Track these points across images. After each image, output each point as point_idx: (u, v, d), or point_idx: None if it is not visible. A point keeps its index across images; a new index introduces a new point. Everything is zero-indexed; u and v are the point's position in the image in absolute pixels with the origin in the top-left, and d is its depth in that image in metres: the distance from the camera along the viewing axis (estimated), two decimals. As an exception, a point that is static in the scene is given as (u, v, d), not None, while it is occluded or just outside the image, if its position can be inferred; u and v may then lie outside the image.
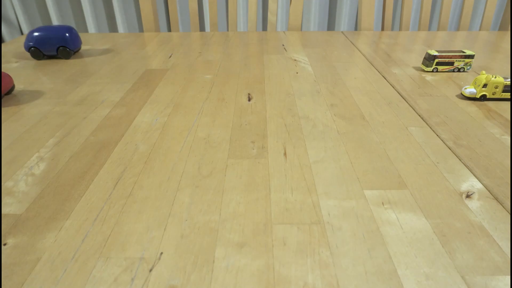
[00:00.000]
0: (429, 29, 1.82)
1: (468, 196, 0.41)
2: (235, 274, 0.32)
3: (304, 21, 1.77)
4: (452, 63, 0.78)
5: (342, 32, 1.20)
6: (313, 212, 0.39)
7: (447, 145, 0.52)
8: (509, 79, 0.63)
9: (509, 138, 0.54)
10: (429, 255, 0.34)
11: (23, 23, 1.72)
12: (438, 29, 1.27)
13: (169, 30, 1.79)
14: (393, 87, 0.73)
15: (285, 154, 0.49)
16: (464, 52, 0.78)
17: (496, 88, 0.63)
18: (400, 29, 1.27)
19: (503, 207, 0.40)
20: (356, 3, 1.73)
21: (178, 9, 1.68)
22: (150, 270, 0.32)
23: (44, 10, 1.75)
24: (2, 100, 0.67)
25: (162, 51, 0.98)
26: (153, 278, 0.31)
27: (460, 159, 0.48)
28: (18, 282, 0.31)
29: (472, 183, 0.44)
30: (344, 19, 1.74)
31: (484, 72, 0.65)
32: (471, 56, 0.78)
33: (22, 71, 0.82)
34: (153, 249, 0.34)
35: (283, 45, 1.04)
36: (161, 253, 0.34)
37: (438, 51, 0.79)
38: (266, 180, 0.44)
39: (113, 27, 1.80)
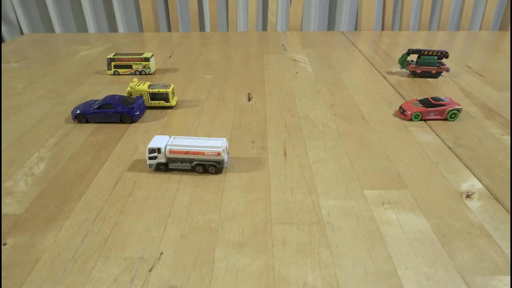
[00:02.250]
0: (429, 29, 1.82)
1: (468, 196, 0.41)
2: (235, 274, 0.32)
3: (304, 21, 1.77)
4: (130, 66, 0.78)
5: (342, 32, 1.20)
6: (313, 212, 0.39)
7: (447, 145, 0.52)
8: (158, 87, 0.60)
9: (509, 138, 0.54)
10: (429, 255, 0.33)
11: (23, 23, 1.72)
12: (438, 29, 1.27)
13: (169, 30, 1.79)
14: (393, 87, 0.73)
15: (285, 154, 0.49)
16: (141, 55, 0.77)
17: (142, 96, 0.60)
18: (400, 29, 1.27)
19: (503, 207, 0.40)
20: (356, 3, 1.72)
21: (178, 9, 1.68)
22: (150, 270, 0.32)
23: (44, 10, 1.75)
24: (2, 100, 0.67)
25: (162, 51, 0.98)
26: (153, 278, 0.31)
27: (460, 159, 0.48)
28: (18, 282, 0.31)
29: (472, 183, 0.44)
30: (344, 19, 1.74)
31: (136, 79, 0.62)
32: (147, 59, 0.77)
33: (22, 71, 0.82)
34: (153, 249, 0.34)
35: (283, 45, 1.04)
36: (161, 253, 0.34)
37: (116, 54, 0.78)
38: (266, 180, 0.44)
39: (113, 27, 1.80)
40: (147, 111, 0.62)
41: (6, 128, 0.57)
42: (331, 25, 1.81)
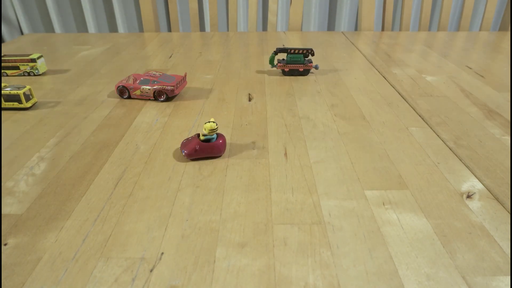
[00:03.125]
0: (429, 29, 1.82)
1: (468, 197, 0.41)
2: (236, 274, 0.32)
3: (304, 22, 1.77)
4: (18, 67, 0.77)
5: (342, 32, 1.20)
6: (313, 212, 0.39)
7: (447, 146, 0.52)
8: (10, 89, 0.59)
9: (509, 138, 0.54)
10: (430, 256, 0.34)
11: (23, 23, 1.72)
12: (438, 30, 1.27)
13: (169, 30, 1.79)
14: (393, 87, 0.73)
15: (285, 154, 0.49)
16: (27, 56, 0.77)
17: None
18: (400, 29, 1.27)
19: (503, 207, 0.40)
20: (356, 3, 1.73)
21: (178, 9, 1.68)
22: (151, 270, 0.32)
23: (44, 10, 1.75)
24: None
25: (162, 51, 0.98)
26: (154, 278, 0.31)
27: (460, 160, 0.48)
28: (18, 282, 0.31)
29: (472, 184, 0.44)
30: (344, 19, 1.74)
31: None
32: (34, 60, 0.76)
33: (22, 71, 0.82)
34: (153, 249, 0.34)
35: (283, 45, 1.04)
36: (162, 253, 0.34)
37: (4, 56, 0.77)
38: (267, 180, 0.44)
39: (113, 27, 1.80)
40: (149, 113, 0.62)
41: (7, 128, 0.57)
42: (331, 26, 1.81)
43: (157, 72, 0.68)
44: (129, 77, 0.67)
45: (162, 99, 0.65)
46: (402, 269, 0.32)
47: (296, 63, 0.77)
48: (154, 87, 0.65)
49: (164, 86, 0.64)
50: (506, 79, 0.77)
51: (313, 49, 0.76)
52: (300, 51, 0.76)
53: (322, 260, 0.33)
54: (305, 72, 0.78)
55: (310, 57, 0.79)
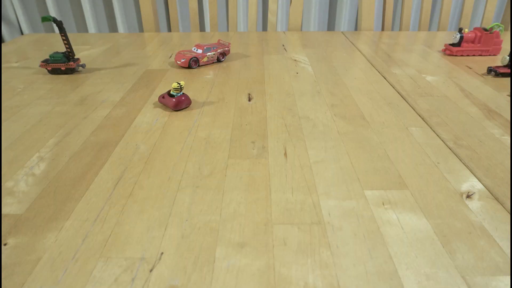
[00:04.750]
0: (429, 29, 1.82)
1: (468, 197, 0.41)
2: (236, 274, 0.32)
3: (304, 21, 1.77)
4: None
5: (342, 32, 1.20)
6: (313, 212, 0.39)
7: (447, 146, 0.52)
8: None
9: (509, 138, 0.54)
10: (429, 256, 0.34)
11: (23, 23, 1.72)
12: (438, 29, 1.28)
13: (169, 30, 1.79)
14: (393, 87, 0.73)
15: (285, 154, 0.49)
16: None
17: None
18: (400, 29, 1.27)
19: (503, 207, 0.40)
20: (356, 3, 1.73)
21: (178, 9, 1.68)
22: (151, 270, 0.32)
23: (44, 10, 1.75)
24: (2, 100, 0.67)
25: (162, 51, 0.98)
26: (153, 278, 0.31)
27: (460, 160, 0.48)
28: (18, 282, 0.31)
29: (472, 184, 0.44)
30: (344, 19, 1.74)
31: None
32: None
33: (22, 71, 0.82)
34: (153, 249, 0.34)
35: (283, 45, 1.04)
36: (162, 253, 0.34)
37: None
38: (267, 180, 0.44)
39: (113, 27, 1.80)
40: (149, 113, 0.62)
41: (6, 128, 0.57)
42: (331, 26, 1.81)
43: (201, 43, 0.85)
44: (182, 53, 0.83)
45: (223, 59, 0.86)
46: (402, 269, 0.32)
47: (57, 62, 0.79)
48: (218, 51, 0.85)
49: (224, 49, 0.86)
50: (506, 79, 0.77)
51: (78, 56, 0.82)
52: (65, 52, 0.80)
53: (322, 260, 0.33)
54: (69, 71, 0.80)
55: (75, 56, 0.81)
